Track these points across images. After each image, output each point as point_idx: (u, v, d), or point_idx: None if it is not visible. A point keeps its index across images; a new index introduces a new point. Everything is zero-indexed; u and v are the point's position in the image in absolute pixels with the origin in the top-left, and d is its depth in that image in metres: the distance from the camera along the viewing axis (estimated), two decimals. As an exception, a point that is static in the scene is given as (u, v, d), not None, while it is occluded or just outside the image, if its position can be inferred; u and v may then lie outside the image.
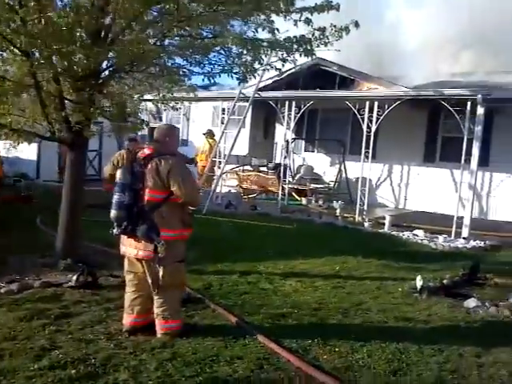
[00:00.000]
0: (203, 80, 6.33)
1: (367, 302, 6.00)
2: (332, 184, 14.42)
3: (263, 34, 6.79)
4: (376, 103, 11.46)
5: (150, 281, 4.49)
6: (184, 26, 5.74)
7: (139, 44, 5.32)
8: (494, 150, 12.40)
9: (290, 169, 14.51)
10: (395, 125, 12.96)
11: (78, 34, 5.64)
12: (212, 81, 6.43)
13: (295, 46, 6.79)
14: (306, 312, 5.47)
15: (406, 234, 10.18)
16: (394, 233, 10.34)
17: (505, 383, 4.07)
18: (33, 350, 4.12)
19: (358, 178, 14.29)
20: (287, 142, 14.99)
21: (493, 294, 6.51)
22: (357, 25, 7.00)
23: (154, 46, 5.57)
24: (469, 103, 10.17)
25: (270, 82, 14.27)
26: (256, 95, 13.10)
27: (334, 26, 7.06)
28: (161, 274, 4.41)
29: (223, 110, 14.84)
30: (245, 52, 6.59)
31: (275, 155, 16.52)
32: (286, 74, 13.24)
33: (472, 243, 9.61)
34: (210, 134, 15.31)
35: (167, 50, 5.71)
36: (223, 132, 13.52)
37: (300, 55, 6.95)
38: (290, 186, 13.30)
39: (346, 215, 11.73)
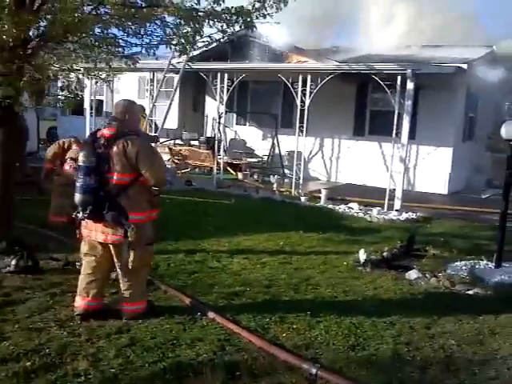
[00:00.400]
0: (141, 52, 6.00)
1: (315, 276, 6.07)
2: (266, 158, 14.41)
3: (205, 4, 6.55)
4: (309, 77, 11.47)
5: (118, 264, 4.34)
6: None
7: (73, 12, 4.91)
8: (421, 123, 12.87)
9: (222, 143, 14.35)
10: (326, 99, 13.06)
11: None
12: (152, 52, 6.10)
13: (234, 18, 6.61)
14: (258, 289, 5.46)
15: (341, 208, 10.39)
16: (330, 206, 10.53)
17: (455, 352, 4.25)
18: (-23, 344, 3.82)
19: (290, 152, 14.45)
20: (219, 115, 14.80)
21: (431, 265, 6.77)
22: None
23: (89, 14, 5.17)
24: (399, 78, 10.41)
25: (197, 52, 13.92)
26: (186, 66, 12.71)
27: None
28: (131, 257, 4.26)
29: (151, 81, 14.35)
30: (183, 23, 6.32)
31: (206, 129, 16.29)
32: (214, 45, 12.97)
33: (404, 215, 9.97)
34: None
35: (103, 19, 5.32)
36: (153, 105, 13.09)
37: (240, 27, 6.76)
38: (223, 160, 13.14)
39: (281, 190, 11.79)
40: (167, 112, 12.61)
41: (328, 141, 14.47)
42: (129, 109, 4.34)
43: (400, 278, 6.23)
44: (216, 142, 13.29)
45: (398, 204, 10.40)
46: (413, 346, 4.29)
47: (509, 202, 6.85)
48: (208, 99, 16.17)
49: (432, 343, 4.39)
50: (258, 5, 6.28)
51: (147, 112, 13.97)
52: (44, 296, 4.87)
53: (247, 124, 15.98)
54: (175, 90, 13.02)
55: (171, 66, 12.80)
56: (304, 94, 11.52)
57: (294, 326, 4.51)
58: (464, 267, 6.62)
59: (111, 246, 4.27)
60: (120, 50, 6.07)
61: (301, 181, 11.80)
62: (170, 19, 6.13)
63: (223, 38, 6.55)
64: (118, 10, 5.04)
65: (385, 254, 7.15)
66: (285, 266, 6.47)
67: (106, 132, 4.21)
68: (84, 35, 5.45)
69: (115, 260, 4.33)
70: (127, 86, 17.36)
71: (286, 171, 14.08)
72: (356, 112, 14.05)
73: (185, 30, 6.32)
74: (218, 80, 12.58)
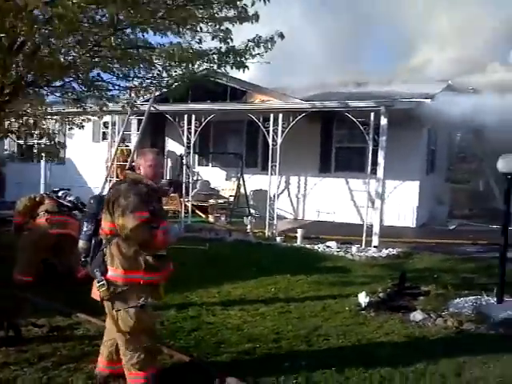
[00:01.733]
0: (130, 95, 5.67)
1: (321, 325, 5.74)
2: (232, 199, 14.07)
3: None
4: (280, 115, 11.35)
5: (107, 326, 3.95)
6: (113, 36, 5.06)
7: (68, 53, 4.54)
8: (387, 158, 12.91)
9: (185, 185, 13.92)
10: (291, 136, 12.96)
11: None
12: (140, 95, 5.78)
13: (225, 58, 6.42)
14: (269, 345, 5.06)
15: (320, 247, 10.16)
16: (308, 246, 10.28)
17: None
18: None
19: (255, 192, 14.21)
20: (181, 156, 14.42)
21: (432, 303, 6.57)
22: (282, 36, 6.81)
23: (85, 56, 4.80)
24: (372, 114, 10.45)
25: (157, 93, 13.55)
26: (152, 108, 12.33)
27: (260, 38, 6.80)
28: (118, 319, 3.79)
29: (112, 124, 13.84)
30: (174, 64, 6.07)
31: (168, 171, 15.83)
32: (175, 85, 12.68)
33: (385, 251, 9.84)
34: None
35: (96, 61, 4.97)
36: (117, 148, 12.58)
37: (231, 67, 6.58)
38: (191, 202, 12.70)
39: (255, 231, 11.46)
40: (132, 155, 12.11)
41: (294, 178, 14.34)
42: (140, 155, 4.05)
43: (406, 320, 5.99)
44: (184, 184, 12.84)
45: (375, 240, 10.28)
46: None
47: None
48: (169, 140, 15.78)
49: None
50: (251, 44, 6.12)
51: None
52: (35, 372, 4.26)
53: (210, 165, 15.66)
54: (141, 133, 12.58)
55: (135, 108, 12.33)
56: (276, 133, 11.35)
57: (326, 385, 4.15)
58: (466, 304, 6.46)
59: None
60: (108, 93, 5.68)
61: (275, 221, 11.52)
62: (158, 60, 5.86)
63: (214, 78, 6.27)
64: (115, 51, 4.69)
65: (381, 294, 6.94)
66: (286, 315, 6.10)
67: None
68: (72, 78, 5.03)
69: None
70: (81, 130, 16.72)
71: (252, 211, 13.80)
72: (321, 149, 14.03)
73: (175, 72, 6.07)
74: (185, 121, 12.24)
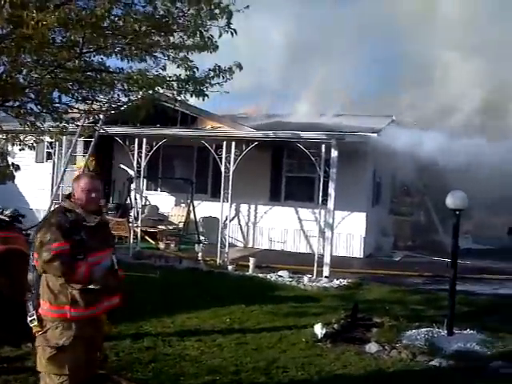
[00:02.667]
0: (88, 118, 5.54)
1: (279, 357, 5.73)
2: (181, 225, 13.89)
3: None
4: (233, 143, 11.40)
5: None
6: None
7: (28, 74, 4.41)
8: (336, 189, 13.19)
9: (134, 209, 13.66)
10: (242, 164, 13.02)
11: None
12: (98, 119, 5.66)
13: (186, 86, 6.44)
14: (228, 377, 5.02)
15: (272, 276, 10.16)
16: (260, 275, 10.26)
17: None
18: None
19: (204, 219, 14.11)
20: (129, 179, 14.14)
21: (384, 335, 6.67)
22: (240, 67, 6.90)
23: (47, 77, 4.67)
24: (323, 146, 10.67)
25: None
26: (101, 130, 12.07)
27: (219, 67, 6.87)
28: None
29: (59, 144, 13.42)
30: (134, 89, 6.01)
31: (114, 195, 15.50)
32: (123, 108, 12.50)
33: (336, 282, 9.96)
34: None
35: (59, 83, 4.84)
36: (64, 170, 12.21)
37: (191, 95, 6.59)
38: (140, 228, 12.43)
39: (206, 258, 11.34)
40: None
41: (244, 206, 14.35)
42: (73, 181, 3.75)
43: (362, 352, 6.07)
44: (132, 208, 12.59)
45: (326, 270, 10.39)
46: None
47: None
48: (116, 164, 15.47)
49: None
50: (212, 74, 6.16)
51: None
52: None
53: (159, 189, 15.44)
54: (89, 155, 12.28)
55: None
56: (228, 161, 11.37)
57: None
58: (418, 336, 6.58)
59: None
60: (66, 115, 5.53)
61: (226, 249, 11.45)
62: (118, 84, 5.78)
63: (174, 106, 6.27)
64: (77, 74, 4.59)
65: (335, 326, 6.99)
66: (243, 346, 6.03)
67: None
68: (29, 99, 4.87)
69: None
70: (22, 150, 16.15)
71: (202, 238, 13.68)
72: (272, 178, 14.14)
73: (133, 97, 6.00)
74: (136, 145, 12.05)
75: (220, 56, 6.38)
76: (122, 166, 13.99)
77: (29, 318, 3.51)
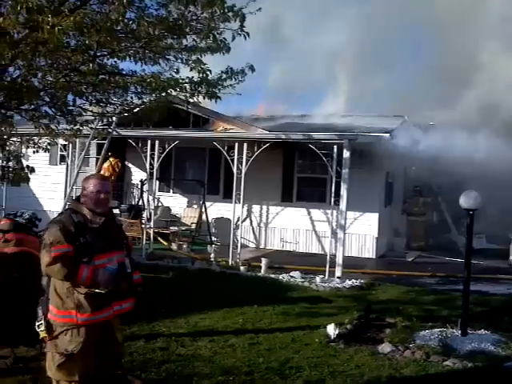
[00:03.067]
0: (102, 120, 5.61)
1: (293, 357, 5.74)
2: (193, 226, 13.94)
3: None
4: (245, 145, 11.43)
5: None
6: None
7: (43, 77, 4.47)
8: (349, 189, 13.16)
9: (147, 211, 13.73)
10: (253, 165, 13.05)
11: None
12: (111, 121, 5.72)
13: (199, 88, 6.48)
14: (242, 378, 5.04)
15: (284, 277, 10.17)
16: (272, 276, 10.27)
17: None
18: None
19: (216, 219, 14.15)
20: (141, 181, 14.24)
21: (398, 335, 6.65)
22: (252, 68, 6.93)
23: (61, 80, 4.73)
24: (335, 146, 10.66)
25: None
26: (114, 133, 12.16)
27: (231, 69, 6.90)
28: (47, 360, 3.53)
29: (73, 147, 13.53)
30: (147, 92, 6.06)
31: (127, 196, 15.60)
32: (136, 110, 12.58)
33: (348, 282, 9.94)
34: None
35: (73, 86, 4.90)
36: (78, 172, 12.31)
37: (204, 98, 6.63)
38: (152, 229, 12.49)
39: (218, 259, 11.38)
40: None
41: (256, 207, 14.37)
42: (83, 183, 3.68)
43: (375, 352, 6.06)
44: (145, 210, 12.66)
45: (339, 271, 10.37)
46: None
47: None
48: (129, 165, 15.58)
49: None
50: (224, 76, 6.20)
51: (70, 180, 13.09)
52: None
53: (171, 191, 15.51)
54: (103, 157, 12.39)
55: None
56: (240, 162, 11.40)
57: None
58: (432, 336, 6.56)
59: None
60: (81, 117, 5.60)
61: (238, 249, 11.48)
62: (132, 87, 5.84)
63: (187, 108, 6.31)
64: (91, 77, 4.64)
65: (348, 326, 6.99)
66: (255, 347, 6.06)
67: None
68: (44, 102, 4.94)
69: None
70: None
71: (214, 239, 13.73)
72: (283, 178, 14.15)
73: (147, 99, 6.06)
74: (148, 147, 12.13)
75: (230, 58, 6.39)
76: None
77: (36, 323, 3.50)
